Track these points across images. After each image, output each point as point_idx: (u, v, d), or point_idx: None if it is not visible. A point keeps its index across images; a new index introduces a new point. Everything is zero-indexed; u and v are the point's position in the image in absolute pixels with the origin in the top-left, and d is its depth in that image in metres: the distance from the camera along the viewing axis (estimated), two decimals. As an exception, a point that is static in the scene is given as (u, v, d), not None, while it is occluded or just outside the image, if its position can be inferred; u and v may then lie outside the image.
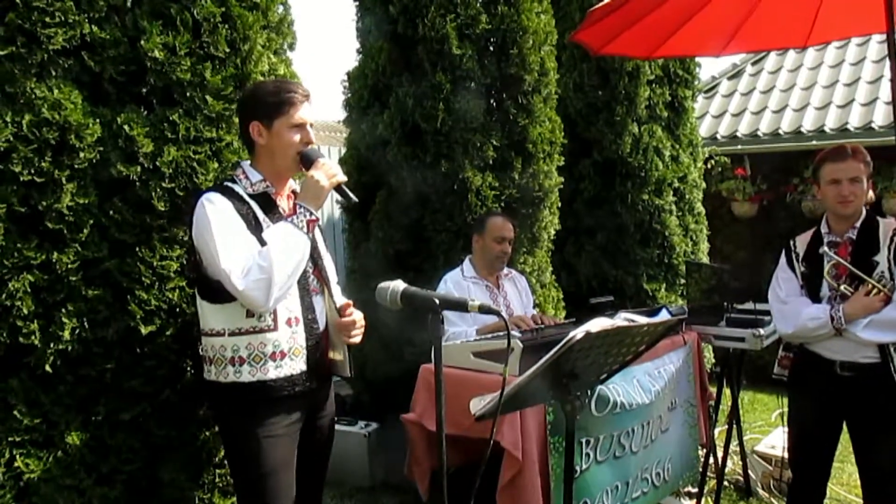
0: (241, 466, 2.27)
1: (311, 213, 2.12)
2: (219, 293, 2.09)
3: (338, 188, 2.19)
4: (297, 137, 2.18)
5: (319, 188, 2.14)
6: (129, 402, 2.47)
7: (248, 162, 2.28)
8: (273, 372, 2.13)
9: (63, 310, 2.32)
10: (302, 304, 2.19)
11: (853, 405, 2.71)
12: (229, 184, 2.21)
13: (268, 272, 1.99)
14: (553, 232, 4.40)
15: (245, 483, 2.25)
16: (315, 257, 2.28)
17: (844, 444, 2.85)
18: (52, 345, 2.29)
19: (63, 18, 2.26)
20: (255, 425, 2.14)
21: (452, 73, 3.92)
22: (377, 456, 4.07)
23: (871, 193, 2.75)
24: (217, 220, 2.06)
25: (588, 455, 2.79)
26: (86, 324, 2.35)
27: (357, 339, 2.29)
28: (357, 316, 2.27)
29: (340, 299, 2.37)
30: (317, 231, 2.34)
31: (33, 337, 2.27)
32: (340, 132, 8.50)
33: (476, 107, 3.93)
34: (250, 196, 2.19)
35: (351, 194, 2.23)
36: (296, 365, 2.16)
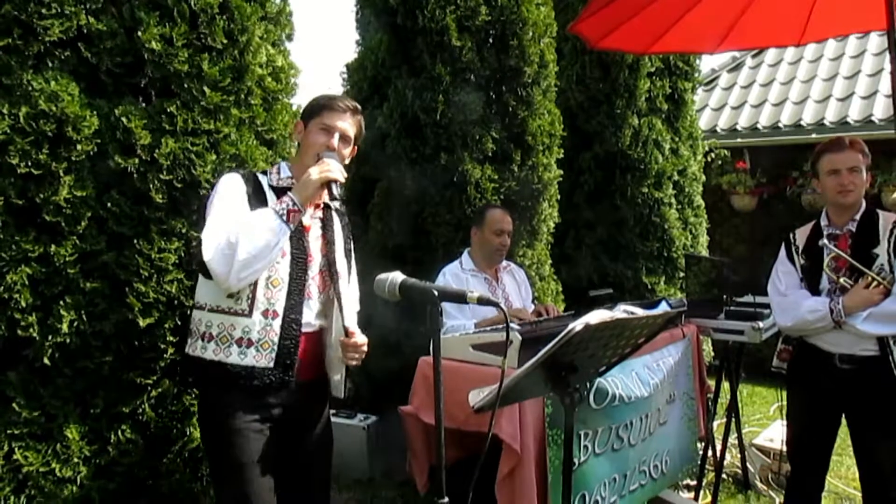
0: (210, 456, 2.30)
1: (295, 204, 2.12)
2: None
3: (327, 185, 2.17)
4: (321, 139, 2.22)
5: (308, 181, 2.13)
6: (128, 394, 2.47)
7: (288, 162, 2.34)
8: (235, 357, 2.12)
9: (61, 302, 2.31)
10: (288, 300, 2.17)
11: (852, 398, 2.71)
12: (259, 174, 2.27)
13: (233, 248, 2.01)
14: (552, 225, 4.39)
15: (215, 474, 2.28)
16: (332, 273, 2.30)
17: (843, 436, 2.86)
18: (50, 337, 2.29)
19: (59, 10, 2.26)
20: (222, 415, 2.14)
21: (452, 65, 3.90)
22: (376, 449, 4.07)
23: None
24: (223, 193, 2.13)
25: (586, 447, 2.79)
26: (84, 316, 2.35)
27: (354, 363, 2.29)
28: (360, 340, 2.28)
29: (352, 325, 2.35)
30: (340, 252, 2.36)
31: (31, 329, 2.27)
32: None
33: (475, 99, 3.91)
34: (272, 187, 2.22)
35: (336, 194, 2.19)
36: (261, 357, 2.14)
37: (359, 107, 2.32)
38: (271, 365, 2.15)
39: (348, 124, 2.27)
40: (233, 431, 2.12)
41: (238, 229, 2.03)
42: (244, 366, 2.12)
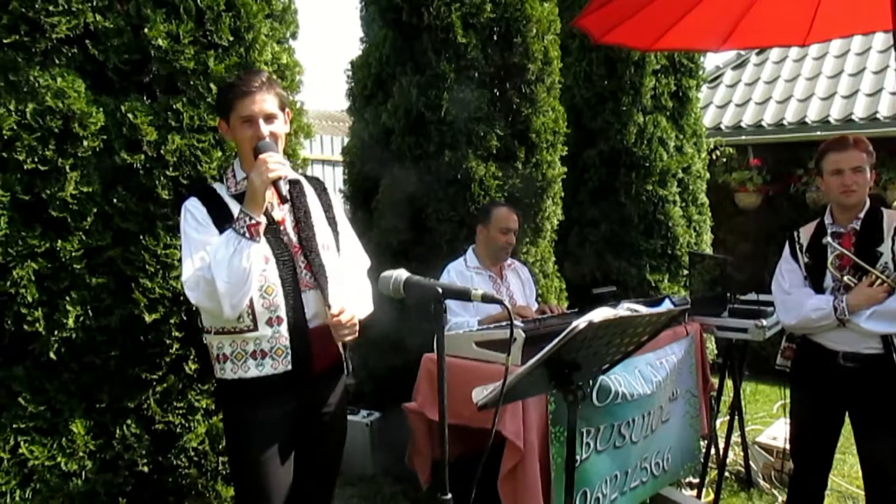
0: (230, 455, 2.30)
1: (251, 218, 2.01)
2: None
3: (274, 184, 2.04)
4: (248, 132, 2.09)
5: (253, 190, 2.02)
6: (133, 389, 2.49)
7: (238, 160, 2.22)
8: (254, 370, 2.12)
9: (67, 297, 2.33)
10: (286, 303, 2.13)
11: (855, 396, 2.71)
12: (215, 184, 2.20)
13: (212, 284, 1.96)
14: (556, 222, 4.39)
15: (234, 472, 2.28)
16: (306, 251, 2.20)
17: (846, 435, 2.85)
18: (56, 332, 2.31)
19: (66, 7, 2.27)
20: (244, 416, 2.15)
21: (457, 62, 3.90)
22: (379, 445, 4.08)
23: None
24: (187, 230, 2.07)
25: (588, 445, 2.80)
26: (90, 312, 2.36)
27: (348, 339, 2.23)
28: (345, 317, 2.17)
29: (354, 292, 2.30)
30: (320, 222, 2.27)
31: (38, 324, 2.29)
32: (343, 122, 8.49)
33: (480, 96, 3.92)
34: (233, 196, 2.15)
35: (284, 192, 2.07)
36: (278, 364, 2.13)
37: (266, 74, 2.15)
38: (290, 368, 2.14)
39: (267, 101, 2.09)
40: (253, 427, 2.14)
41: (209, 263, 1.98)
42: (265, 376, 2.13)
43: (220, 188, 2.18)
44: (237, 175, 2.18)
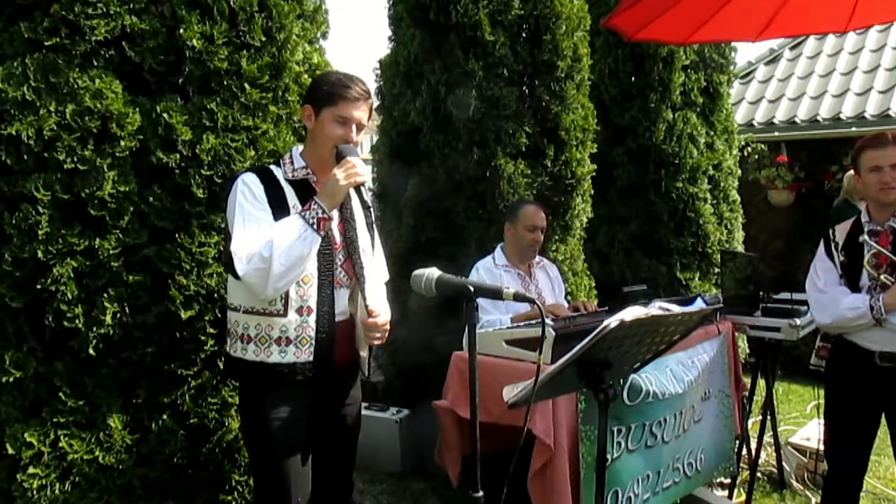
0: (251, 446, 2.33)
1: (324, 212, 2.08)
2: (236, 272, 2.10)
3: (356, 189, 2.16)
4: (338, 131, 2.16)
5: (337, 186, 2.10)
6: (169, 385, 2.53)
7: (300, 148, 2.30)
8: (276, 356, 2.15)
9: (105, 295, 2.37)
10: (319, 294, 2.18)
11: (892, 397, 2.67)
12: (272, 167, 2.24)
13: (267, 262, 2.00)
14: (585, 220, 4.37)
15: (256, 463, 2.31)
16: (350, 251, 2.27)
17: (882, 436, 2.81)
18: (94, 329, 2.35)
19: (105, 10, 2.31)
20: (266, 407, 2.18)
21: (485, 59, 3.90)
22: (408, 442, 4.10)
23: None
24: (242, 202, 2.10)
25: (619, 444, 2.79)
26: (127, 309, 2.40)
27: (377, 342, 2.29)
28: (381, 320, 2.26)
29: (380, 299, 2.37)
30: (361, 226, 2.35)
31: (77, 321, 2.33)
32: (372, 120, 8.53)
33: (508, 94, 3.91)
34: (288, 181, 2.20)
35: (367, 198, 2.20)
36: (301, 353, 2.17)
37: (369, 90, 2.24)
38: (311, 359, 2.18)
39: (364, 112, 2.20)
40: (272, 422, 2.17)
41: (269, 242, 2.01)
42: (286, 363, 2.16)
43: (276, 171, 2.22)
44: (295, 162, 2.24)
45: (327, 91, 2.17)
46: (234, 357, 2.23)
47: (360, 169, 2.13)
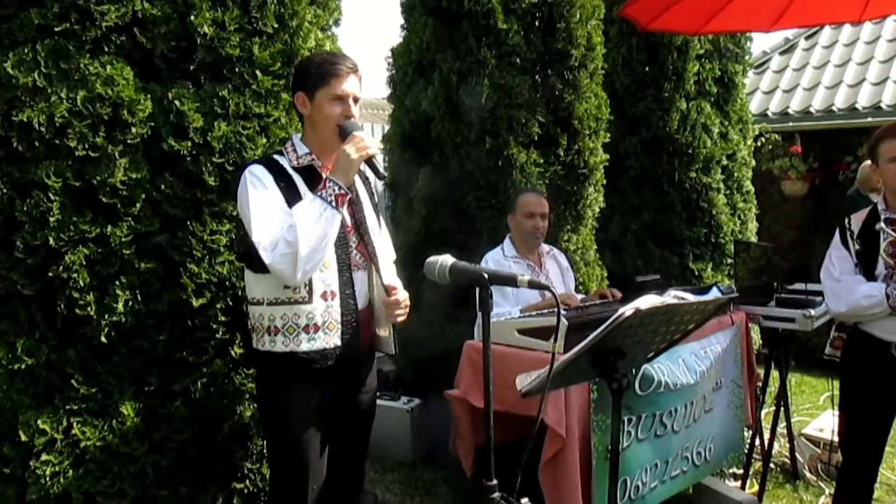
0: (271, 435, 2.33)
1: (340, 188, 2.09)
2: (260, 263, 2.09)
3: (368, 162, 2.17)
4: (337, 110, 2.16)
5: (349, 161, 2.10)
6: (181, 373, 2.53)
7: (300, 135, 2.29)
8: (305, 344, 2.15)
9: (117, 282, 2.37)
10: (340, 278, 2.19)
11: (909, 388, 2.64)
12: (276, 156, 2.23)
13: (293, 246, 1.99)
14: (597, 210, 4.35)
15: (275, 451, 2.32)
16: (361, 233, 2.29)
17: (897, 427, 2.79)
18: (106, 316, 2.35)
19: (116, -5, 2.30)
20: (289, 396, 2.19)
21: (497, 48, 3.88)
22: (419, 431, 4.11)
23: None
24: (255, 192, 2.09)
25: (629, 433, 2.78)
26: (139, 296, 2.40)
27: (401, 319, 2.30)
28: (402, 296, 2.28)
29: (393, 277, 2.38)
30: (368, 208, 2.37)
31: (89, 308, 2.33)
32: (384, 109, 8.50)
33: (521, 83, 3.88)
34: (295, 169, 2.20)
35: (381, 169, 2.21)
36: (329, 339, 2.18)
37: (356, 63, 2.22)
38: (340, 343, 2.19)
39: (356, 85, 2.19)
40: (298, 412, 2.18)
41: (293, 227, 2.01)
42: (317, 350, 2.16)
43: (282, 160, 2.22)
44: (298, 149, 2.24)
45: (316, 73, 2.16)
46: (262, 351, 2.22)
47: (368, 142, 2.14)
